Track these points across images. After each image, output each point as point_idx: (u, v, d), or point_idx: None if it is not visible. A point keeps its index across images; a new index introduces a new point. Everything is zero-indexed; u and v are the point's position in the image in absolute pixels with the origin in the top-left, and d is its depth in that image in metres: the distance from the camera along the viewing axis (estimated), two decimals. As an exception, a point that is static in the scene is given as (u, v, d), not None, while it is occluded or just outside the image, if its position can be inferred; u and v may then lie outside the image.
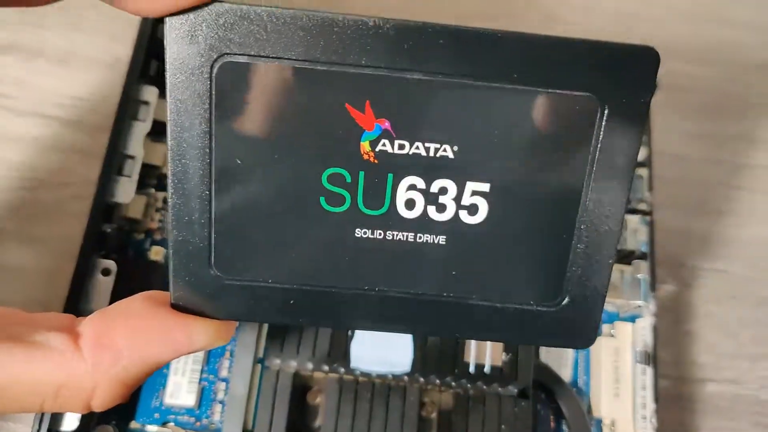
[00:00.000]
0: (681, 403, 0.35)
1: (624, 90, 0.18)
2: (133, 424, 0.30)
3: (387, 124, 0.19)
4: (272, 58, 0.18)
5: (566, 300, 0.21)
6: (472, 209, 0.20)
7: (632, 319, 0.33)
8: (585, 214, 0.20)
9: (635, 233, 0.33)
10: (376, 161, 0.19)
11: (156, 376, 0.30)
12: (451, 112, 0.19)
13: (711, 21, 0.44)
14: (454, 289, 0.20)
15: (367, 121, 0.19)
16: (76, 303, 0.29)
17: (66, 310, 0.29)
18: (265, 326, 0.31)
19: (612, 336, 0.33)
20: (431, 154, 0.19)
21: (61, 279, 0.30)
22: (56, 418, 0.28)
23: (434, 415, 0.30)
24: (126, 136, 0.32)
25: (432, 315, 0.21)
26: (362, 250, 0.20)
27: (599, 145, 0.19)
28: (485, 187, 0.19)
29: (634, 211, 0.34)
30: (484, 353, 0.29)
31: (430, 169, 0.19)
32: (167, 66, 0.18)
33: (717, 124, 0.41)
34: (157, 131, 0.33)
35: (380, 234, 0.20)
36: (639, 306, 0.32)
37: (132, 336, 0.19)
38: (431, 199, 0.20)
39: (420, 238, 0.20)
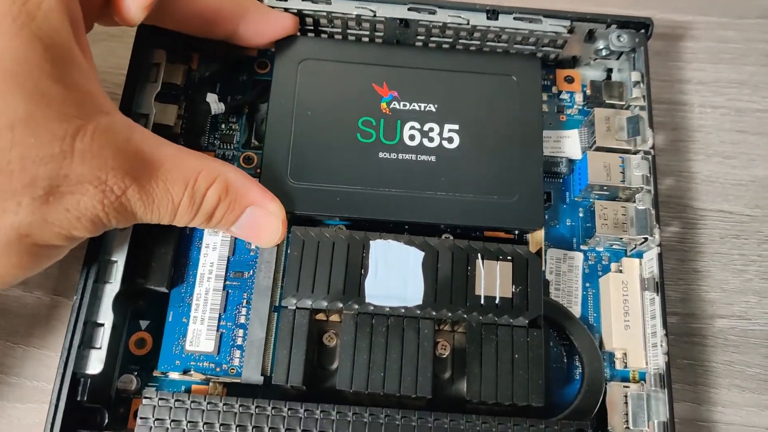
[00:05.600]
0: (692, 339, 0.35)
1: (525, 71, 0.35)
2: (156, 373, 0.31)
3: (396, 93, 0.34)
4: (330, 60, 0.34)
5: (517, 196, 0.32)
6: (450, 140, 0.34)
7: (639, 255, 0.34)
8: (517, 141, 0.33)
9: (638, 169, 0.33)
10: (390, 113, 0.34)
11: (176, 324, 0.31)
12: (433, 86, 0.34)
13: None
14: (444, 188, 0.32)
15: (384, 91, 0.34)
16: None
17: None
18: (281, 274, 0.32)
19: (620, 272, 0.34)
20: (422, 109, 0.34)
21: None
22: (80, 362, 0.28)
23: (447, 353, 0.31)
24: (138, 96, 0.33)
25: (430, 206, 0.32)
26: (383, 165, 0.33)
27: (518, 99, 0.34)
28: (456, 127, 0.34)
29: (635, 152, 0.35)
30: (494, 286, 0.30)
31: (422, 117, 0.34)
32: (276, 62, 0.34)
33: (715, 71, 0.42)
34: (166, 92, 0.34)
35: (394, 155, 0.33)
36: (645, 240, 0.33)
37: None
38: (424, 134, 0.34)
39: (419, 157, 0.33)
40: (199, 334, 0.31)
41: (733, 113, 0.41)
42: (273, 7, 0.35)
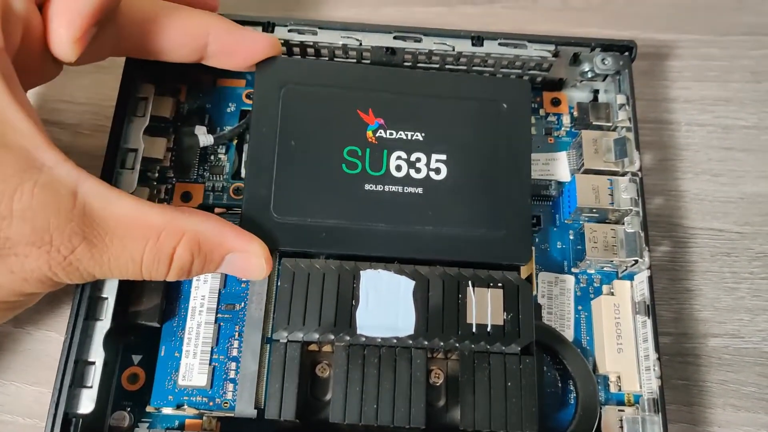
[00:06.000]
0: (685, 359, 0.35)
1: (514, 97, 0.34)
2: (149, 408, 0.31)
3: (382, 121, 0.33)
4: (314, 85, 0.33)
5: (504, 230, 0.32)
6: (437, 171, 0.33)
7: (630, 277, 0.34)
8: (505, 171, 0.33)
9: (626, 192, 0.33)
10: (376, 142, 0.33)
11: (168, 358, 0.31)
12: (420, 113, 0.33)
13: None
14: (431, 222, 0.32)
15: (370, 119, 0.33)
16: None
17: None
18: (272, 305, 0.32)
19: (612, 294, 0.34)
20: (409, 138, 0.33)
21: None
22: (72, 402, 0.28)
23: (441, 381, 0.31)
24: (126, 131, 0.33)
25: (417, 241, 0.31)
26: (369, 198, 0.32)
27: (507, 127, 0.33)
28: (444, 157, 0.33)
29: (623, 173, 0.35)
30: (485, 314, 0.30)
31: (409, 146, 0.33)
32: (256, 87, 0.33)
33: (701, 89, 0.42)
34: (154, 126, 0.34)
35: (381, 187, 0.32)
36: (635, 262, 0.33)
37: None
38: (411, 165, 0.33)
39: (406, 189, 0.32)
40: (192, 368, 0.31)
41: (720, 130, 0.41)
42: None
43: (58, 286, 0.26)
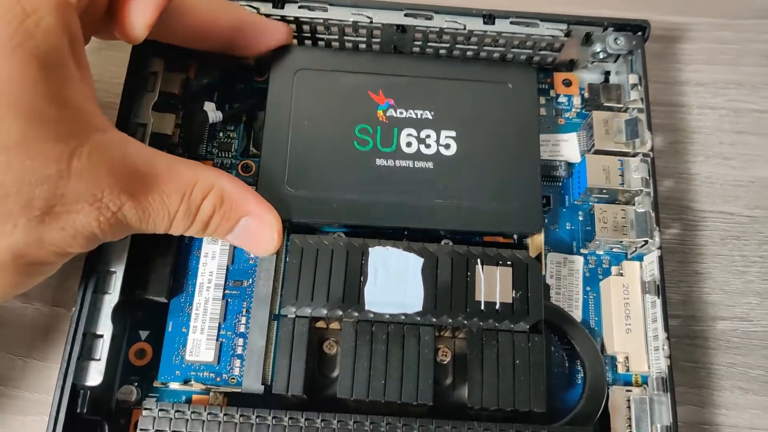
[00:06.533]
0: (694, 341, 0.35)
1: (520, 78, 0.35)
2: (156, 383, 0.31)
3: (392, 101, 0.34)
4: (326, 70, 0.34)
5: (515, 201, 0.32)
6: (447, 147, 0.33)
7: (640, 258, 0.34)
8: (514, 146, 0.33)
9: (637, 172, 0.33)
10: (387, 121, 0.34)
11: (175, 334, 0.31)
12: (429, 94, 0.34)
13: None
14: (442, 195, 0.32)
15: (380, 99, 0.34)
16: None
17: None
18: (280, 282, 0.32)
19: (621, 275, 0.33)
20: (419, 116, 0.34)
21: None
22: (80, 374, 0.28)
23: (449, 359, 0.31)
24: (135, 106, 0.33)
25: (428, 213, 0.32)
26: (381, 172, 0.33)
27: (513, 105, 0.34)
28: (453, 133, 0.34)
29: (634, 154, 0.35)
30: (494, 291, 0.30)
31: (419, 124, 0.34)
32: (272, 73, 0.34)
33: (713, 72, 0.42)
34: (163, 102, 0.34)
35: (392, 163, 0.33)
36: (645, 243, 0.33)
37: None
38: (421, 141, 0.33)
39: (416, 164, 0.33)
40: (199, 344, 0.31)
41: (731, 114, 0.41)
42: (268, 16, 0.35)
43: (94, 245, 0.27)
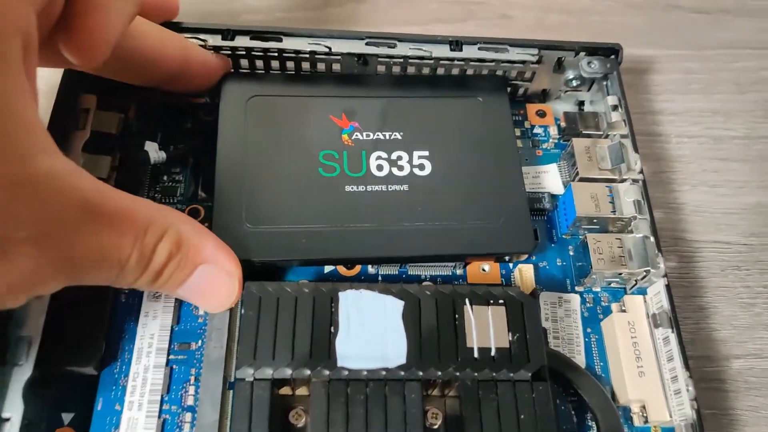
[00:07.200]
0: (710, 384, 0.31)
1: (489, 89, 0.33)
2: (81, 477, 0.25)
3: (357, 124, 0.31)
4: (281, 95, 0.32)
5: (502, 218, 0.30)
6: (421, 167, 0.31)
7: (642, 292, 0.30)
8: (493, 161, 0.31)
9: (628, 195, 0.30)
10: (353, 144, 0.31)
11: (106, 413, 0.26)
12: (395, 114, 0.32)
13: (658, 7, 0.45)
14: (421, 218, 0.29)
15: (343, 123, 0.31)
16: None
17: None
18: (234, 342, 0.27)
19: (623, 311, 0.30)
20: (388, 137, 0.31)
21: None
22: (-20, 471, 0.22)
23: (439, 422, 0.26)
24: (64, 144, 0.29)
25: (408, 239, 0.28)
26: (352, 199, 0.29)
27: (486, 118, 0.32)
28: (426, 153, 0.31)
29: (621, 180, 0.32)
30: (487, 336, 0.26)
31: (388, 146, 0.31)
32: (222, 100, 0.31)
33: (686, 101, 0.41)
34: (97, 141, 0.30)
35: (363, 188, 0.30)
36: (646, 274, 0.29)
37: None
38: (392, 163, 0.31)
39: (390, 187, 0.30)
40: (136, 424, 0.26)
41: (711, 141, 0.39)
42: (217, 49, 0.32)
43: (26, 298, 0.21)
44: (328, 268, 0.30)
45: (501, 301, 0.27)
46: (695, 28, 0.44)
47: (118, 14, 0.23)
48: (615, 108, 0.33)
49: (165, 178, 0.31)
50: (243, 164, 0.29)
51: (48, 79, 0.28)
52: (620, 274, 0.30)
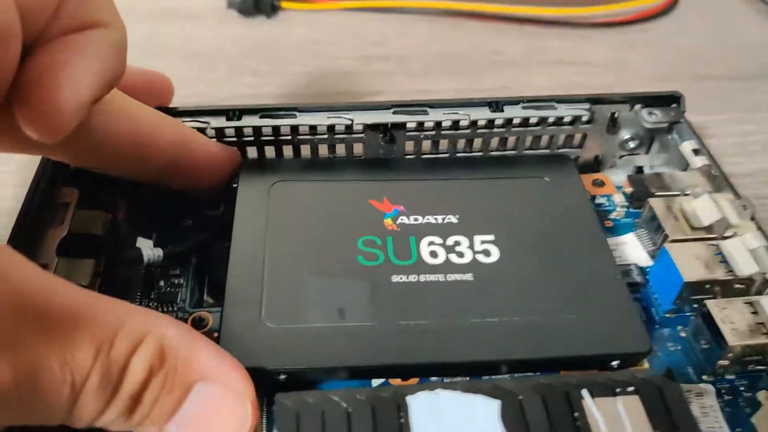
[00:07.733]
0: None
1: (556, 168, 0.28)
2: None
3: (402, 208, 0.26)
4: (310, 180, 0.27)
5: (602, 311, 0.23)
6: (486, 253, 0.25)
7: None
8: (574, 244, 0.25)
9: (751, 244, 0.24)
10: (398, 228, 0.26)
11: None
12: (447, 196, 0.27)
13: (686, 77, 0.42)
14: (493, 312, 0.23)
15: (386, 207, 0.27)
16: None
17: None
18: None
19: (782, 400, 0.22)
20: (440, 221, 0.26)
21: None
22: None
23: None
24: (34, 241, 0.23)
25: (478, 338, 0.22)
26: (401, 291, 0.24)
27: (557, 199, 0.27)
28: (490, 237, 0.26)
29: (724, 237, 0.26)
30: (625, 439, 0.18)
31: (442, 230, 0.26)
32: (239, 186, 0.26)
33: (752, 163, 0.36)
34: (78, 243, 0.24)
35: (414, 278, 0.24)
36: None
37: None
38: (449, 249, 0.25)
39: (449, 277, 0.24)
40: None
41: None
42: (222, 133, 0.27)
43: None
44: (375, 382, 0.23)
45: (631, 389, 0.19)
46: (735, 94, 0.41)
47: (84, 74, 0.19)
48: (696, 152, 0.28)
49: (162, 282, 0.25)
50: (264, 255, 0.24)
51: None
52: (765, 347, 0.23)
